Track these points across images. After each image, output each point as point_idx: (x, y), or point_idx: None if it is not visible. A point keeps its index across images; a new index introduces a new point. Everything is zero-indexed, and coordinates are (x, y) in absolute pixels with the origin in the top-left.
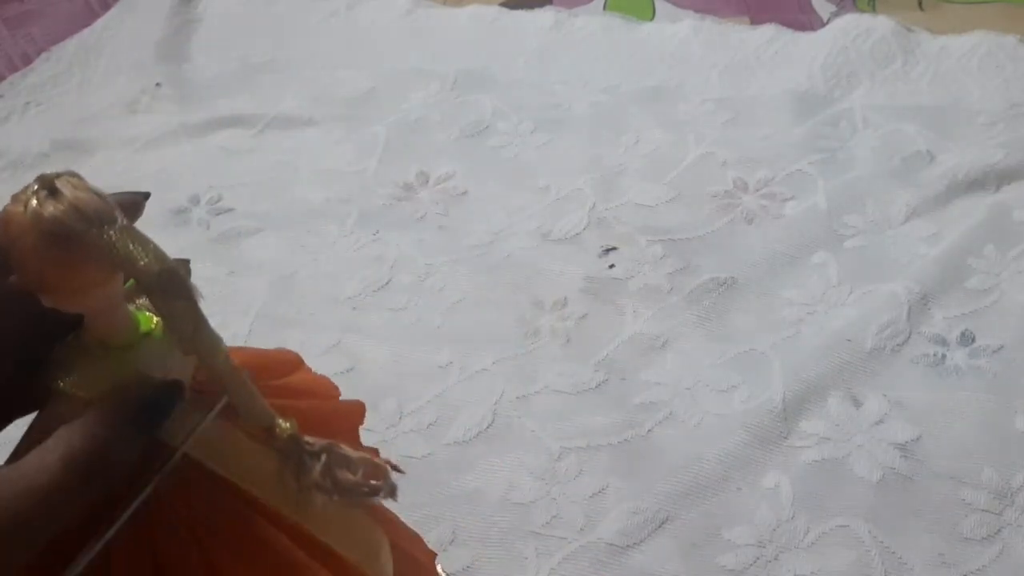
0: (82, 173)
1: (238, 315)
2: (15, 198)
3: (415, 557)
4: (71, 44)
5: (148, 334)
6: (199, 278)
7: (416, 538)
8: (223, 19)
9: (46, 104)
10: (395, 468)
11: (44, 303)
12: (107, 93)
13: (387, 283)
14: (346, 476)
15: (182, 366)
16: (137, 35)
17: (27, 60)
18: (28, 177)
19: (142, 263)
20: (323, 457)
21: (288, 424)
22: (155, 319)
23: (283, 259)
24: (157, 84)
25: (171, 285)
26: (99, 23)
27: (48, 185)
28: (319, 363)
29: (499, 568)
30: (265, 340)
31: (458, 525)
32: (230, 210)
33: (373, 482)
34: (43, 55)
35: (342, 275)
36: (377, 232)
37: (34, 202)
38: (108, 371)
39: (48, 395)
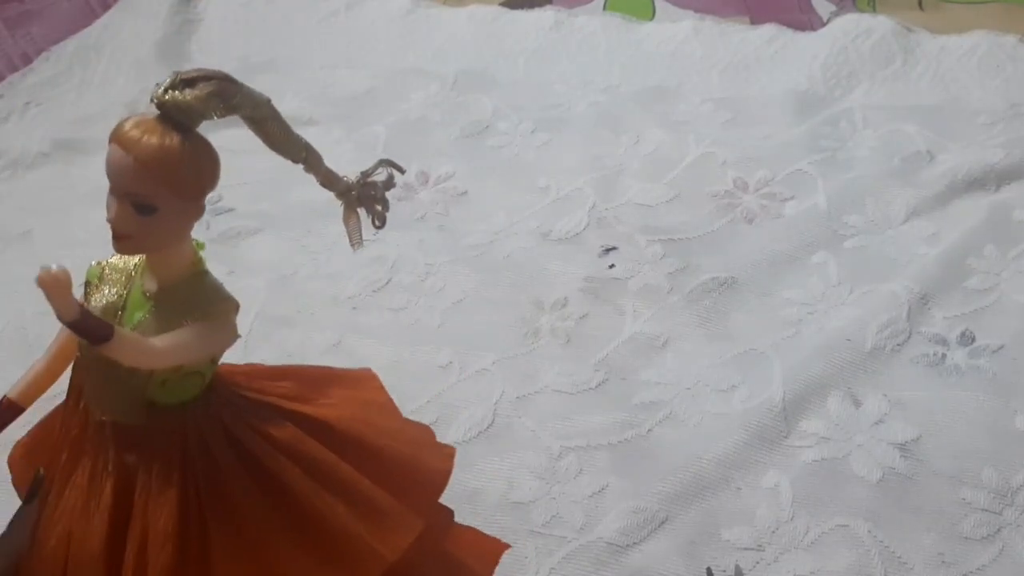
0: (82, 174)
1: (238, 315)
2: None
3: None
4: (71, 44)
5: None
6: None
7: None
8: (223, 19)
9: (46, 104)
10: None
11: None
12: (107, 93)
13: (387, 283)
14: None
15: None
16: (137, 35)
17: (27, 60)
18: (28, 177)
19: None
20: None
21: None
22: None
23: (283, 259)
24: (157, 84)
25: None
26: (99, 23)
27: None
28: (319, 363)
29: (499, 567)
30: (265, 340)
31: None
32: (230, 210)
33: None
34: (43, 55)
35: (342, 275)
36: (377, 232)
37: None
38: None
39: None
